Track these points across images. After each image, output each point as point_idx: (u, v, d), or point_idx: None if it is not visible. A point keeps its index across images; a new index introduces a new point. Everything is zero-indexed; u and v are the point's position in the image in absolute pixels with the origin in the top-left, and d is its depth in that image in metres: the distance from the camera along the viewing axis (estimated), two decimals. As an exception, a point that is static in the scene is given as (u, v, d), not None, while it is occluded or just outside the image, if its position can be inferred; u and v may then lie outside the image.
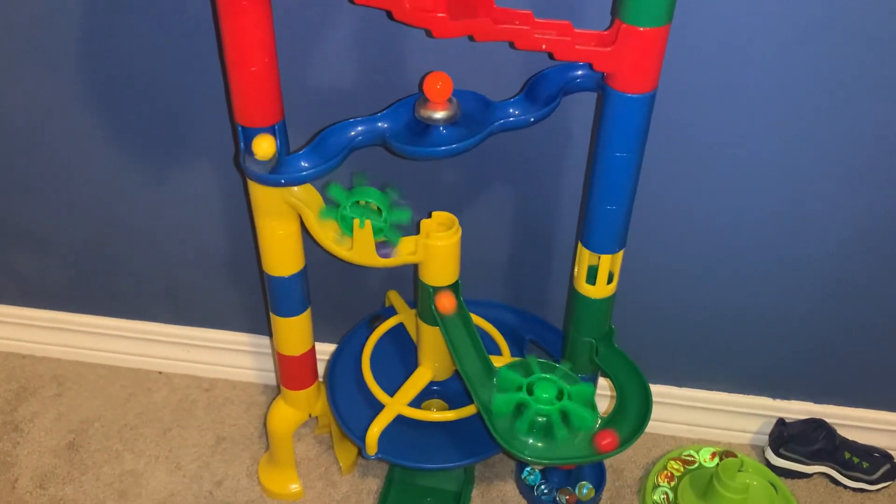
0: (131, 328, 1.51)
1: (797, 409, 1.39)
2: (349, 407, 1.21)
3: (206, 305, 1.46)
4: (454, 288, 1.10)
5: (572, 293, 1.10)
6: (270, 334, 1.47)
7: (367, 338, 1.26)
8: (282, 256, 1.07)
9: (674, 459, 1.36)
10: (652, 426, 1.45)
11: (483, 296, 1.32)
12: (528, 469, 1.34)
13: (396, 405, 1.15)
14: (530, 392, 1.02)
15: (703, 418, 1.43)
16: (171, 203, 1.31)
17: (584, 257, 1.04)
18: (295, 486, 1.32)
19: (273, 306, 1.13)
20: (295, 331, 1.15)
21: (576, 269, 1.08)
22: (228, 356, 1.51)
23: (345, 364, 1.27)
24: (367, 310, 1.38)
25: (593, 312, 1.09)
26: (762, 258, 1.21)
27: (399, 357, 1.28)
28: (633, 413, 1.07)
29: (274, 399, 1.29)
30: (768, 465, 1.38)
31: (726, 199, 1.15)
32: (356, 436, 1.15)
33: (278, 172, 0.94)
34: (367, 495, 1.33)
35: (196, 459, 1.38)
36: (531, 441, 1.01)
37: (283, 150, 0.96)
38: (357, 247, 1.03)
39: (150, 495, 1.33)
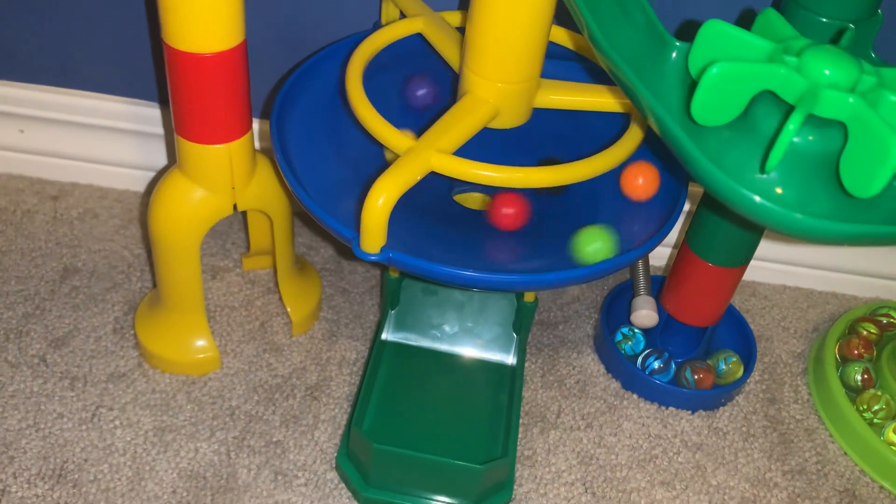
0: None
1: None
2: (317, 171, 0.60)
3: (51, 45, 0.81)
4: None
5: None
6: (162, 98, 0.83)
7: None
8: None
9: (862, 321, 0.81)
10: (797, 277, 0.89)
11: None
12: (623, 330, 0.76)
13: (426, 152, 0.54)
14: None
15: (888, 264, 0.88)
16: None
17: None
18: (204, 346, 0.70)
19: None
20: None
21: None
22: (91, 141, 0.87)
23: (307, 101, 0.65)
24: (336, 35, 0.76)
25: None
26: None
27: (406, 100, 0.68)
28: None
29: (162, 177, 0.66)
30: None
31: None
32: (336, 220, 0.55)
33: None
34: (339, 368, 0.74)
35: (23, 301, 0.75)
36: (779, 183, 0.43)
37: None
38: None
39: (-81, 359, 0.70)
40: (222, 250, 0.82)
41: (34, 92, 0.84)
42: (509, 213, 0.59)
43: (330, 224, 0.54)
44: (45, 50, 0.82)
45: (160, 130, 0.85)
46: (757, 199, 0.44)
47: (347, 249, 0.84)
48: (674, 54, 0.47)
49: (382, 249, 0.53)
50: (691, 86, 0.45)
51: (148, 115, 0.84)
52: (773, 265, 0.88)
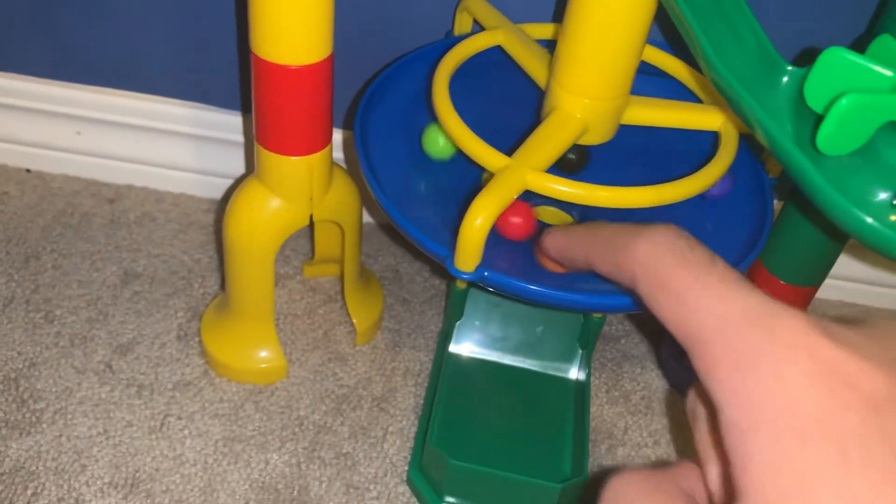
0: (-25, 84, 0.85)
1: None
2: (399, 186, 0.59)
3: (109, 47, 0.81)
4: None
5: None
6: (242, 107, 0.83)
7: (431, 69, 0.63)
8: None
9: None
10: (856, 293, 0.89)
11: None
12: (689, 345, 0.75)
13: (520, 170, 0.53)
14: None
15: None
16: None
17: None
18: (271, 355, 0.70)
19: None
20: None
21: None
22: (146, 144, 0.86)
23: (388, 113, 0.65)
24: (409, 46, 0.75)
25: None
26: None
27: (488, 110, 0.67)
28: None
29: (240, 185, 0.66)
30: None
31: None
32: (426, 236, 0.54)
33: None
34: (404, 379, 0.73)
35: (86, 306, 0.75)
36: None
37: None
38: None
39: (-13, 364, 0.69)
40: (282, 257, 0.82)
41: (91, 94, 0.84)
42: (517, 223, 0.57)
43: (425, 244, 0.54)
44: (103, 52, 0.81)
45: (215, 133, 0.85)
46: (875, 223, 0.43)
47: (411, 258, 0.84)
48: (785, 78, 0.46)
49: (477, 268, 0.52)
50: (810, 112, 0.44)
51: (203, 118, 0.84)
52: (832, 281, 0.87)
